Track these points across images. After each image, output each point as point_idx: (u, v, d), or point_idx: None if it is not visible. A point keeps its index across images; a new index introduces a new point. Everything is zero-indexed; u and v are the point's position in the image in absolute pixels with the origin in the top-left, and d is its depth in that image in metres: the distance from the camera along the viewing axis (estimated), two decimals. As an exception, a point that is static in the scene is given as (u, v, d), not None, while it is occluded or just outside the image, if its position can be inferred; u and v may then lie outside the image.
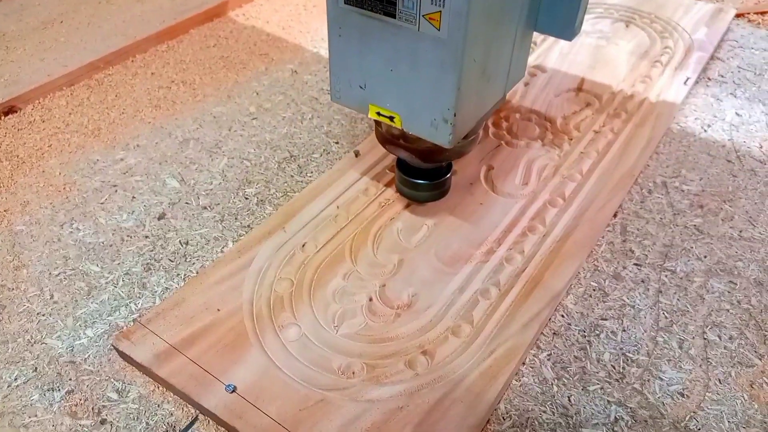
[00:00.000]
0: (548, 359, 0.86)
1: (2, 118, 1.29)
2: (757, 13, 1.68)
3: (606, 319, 0.91)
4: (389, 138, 0.93)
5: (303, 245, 0.97)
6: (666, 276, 0.98)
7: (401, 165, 1.00)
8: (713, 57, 1.49)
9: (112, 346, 0.85)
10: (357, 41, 0.80)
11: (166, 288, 0.96)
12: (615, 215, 1.07)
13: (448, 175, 0.99)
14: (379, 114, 0.85)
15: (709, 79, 1.43)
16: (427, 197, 1.01)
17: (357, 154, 1.15)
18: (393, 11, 0.74)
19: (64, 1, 1.69)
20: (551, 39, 1.51)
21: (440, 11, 0.71)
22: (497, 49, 0.84)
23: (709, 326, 0.91)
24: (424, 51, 0.75)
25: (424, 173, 0.97)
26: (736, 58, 1.50)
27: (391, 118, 0.84)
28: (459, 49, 0.73)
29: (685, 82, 1.35)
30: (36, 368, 0.86)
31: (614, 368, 0.85)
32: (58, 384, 0.84)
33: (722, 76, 1.44)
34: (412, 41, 0.76)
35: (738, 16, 1.66)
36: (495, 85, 0.88)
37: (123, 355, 0.84)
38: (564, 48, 1.47)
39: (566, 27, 0.89)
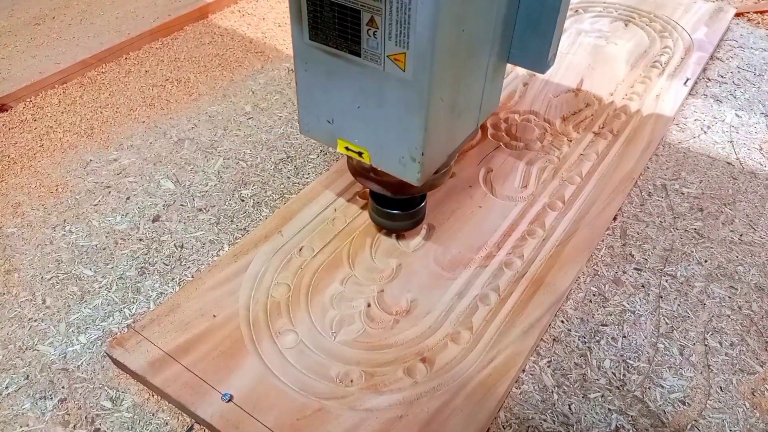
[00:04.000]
0: (548, 366, 0.85)
1: (-7, 116, 1.27)
2: (756, 13, 1.67)
3: (606, 325, 0.90)
4: (360, 171, 0.91)
5: (300, 249, 0.96)
6: (666, 281, 0.97)
7: (375, 195, 0.96)
8: (713, 57, 1.48)
9: (106, 353, 0.84)
10: (323, 77, 0.79)
11: (161, 293, 0.94)
12: (615, 218, 1.06)
13: (422, 204, 0.96)
14: (347, 149, 0.83)
15: (708, 79, 1.42)
16: (401, 227, 0.97)
17: (354, 155, 1.13)
18: (358, 50, 0.72)
19: (56, -4, 1.66)
20: (550, 38, 1.49)
21: (405, 52, 0.69)
22: (467, 85, 0.81)
23: (710, 332, 0.90)
24: (390, 90, 0.73)
25: (397, 203, 0.94)
26: (735, 59, 1.49)
27: (360, 153, 0.82)
28: (425, 90, 0.71)
29: (684, 83, 1.34)
30: (28, 376, 0.84)
31: (615, 375, 0.84)
32: (50, 392, 0.82)
33: (722, 77, 1.43)
34: (377, 81, 0.74)
35: (738, 15, 1.65)
36: (466, 120, 0.86)
37: (117, 363, 0.83)
38: (563, 47, 1.46)
39: (539, 60, 0.87)
